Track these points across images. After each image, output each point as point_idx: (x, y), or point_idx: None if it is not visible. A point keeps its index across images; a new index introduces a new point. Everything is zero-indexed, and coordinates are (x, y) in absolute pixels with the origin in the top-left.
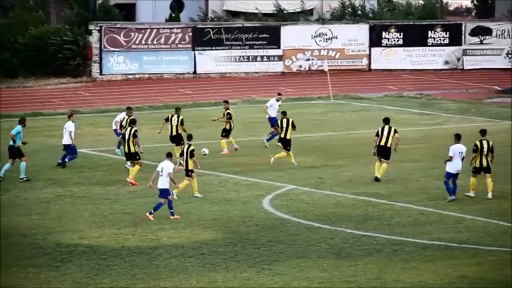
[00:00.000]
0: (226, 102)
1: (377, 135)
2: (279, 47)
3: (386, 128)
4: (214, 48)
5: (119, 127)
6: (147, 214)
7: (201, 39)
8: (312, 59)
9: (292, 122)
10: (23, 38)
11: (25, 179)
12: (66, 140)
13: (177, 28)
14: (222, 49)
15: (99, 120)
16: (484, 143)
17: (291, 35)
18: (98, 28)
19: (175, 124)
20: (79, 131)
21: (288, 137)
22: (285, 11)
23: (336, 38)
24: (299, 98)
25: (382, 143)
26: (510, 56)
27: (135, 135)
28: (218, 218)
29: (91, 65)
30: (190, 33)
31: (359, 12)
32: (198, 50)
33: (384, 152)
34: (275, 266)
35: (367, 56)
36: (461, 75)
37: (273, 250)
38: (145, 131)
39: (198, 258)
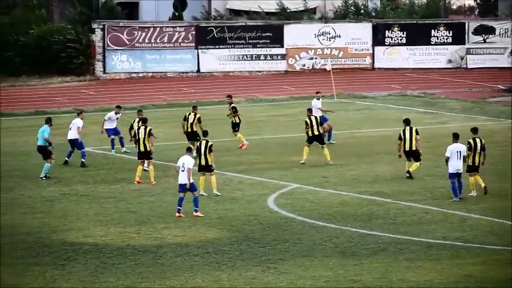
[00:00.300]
0: (229, 97)
1: (400, 138)
2: (282, 46)
3: (408, 129)
4: (218, 47)
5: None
6: (194, 213)
7: (204, 38)
8: (315, 58)
9: (319, 120)
10: (26, 36)
11: (44, 178)
12: (73, 135)
13: (180, 27)
14: (225, 48)
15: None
16: (477, 140)
17: (294, 33)
18: (101, 27)
19: (192, 121)
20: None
21: (316, 133)
22: (288, 10)
23: (339, 36)
24: (302, 97)
25: (407, 148)
26: None
27: (150, 134)
28: (223, 217)
29: (94, 63)
30: (194, 32)
31: (362, 11)
32: (201, 49)
33: (412, 155)
34: (280, 265)
35: (370, 54)
36: (464, 74)
37: (278, 249)
38: None
39: (203, 257)
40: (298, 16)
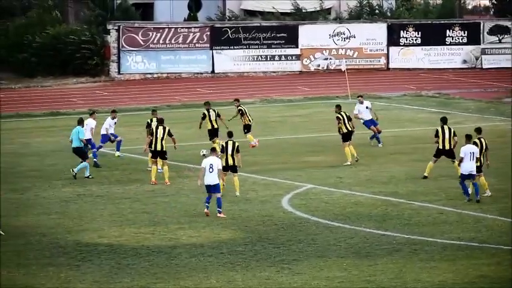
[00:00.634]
0: (237, 100)
1: (437, 135)
2: (297, 46)
3: (446, 128)
4: (232, 47)
5: (110, 132)
6: (218, 215)
7: (219, 39)
8: (330, 58)
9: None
10: (41, 37)
11: (75, 175)
12: (87, 135)
13: (195, 27)
14: (240, 48)
15: (118, 119)
16: (482, 141)
17: (308, 34)
18: (116, 28)
19: (214, 119)
20: (97, 129)
21: (350, 129)
22: (304, 10)
23: (354, 37)
24: (317, 97)
25: (447, 147)
26: None
27: (170, 134)
28: (237, 217)
29: (109, 64)
30: (208, 33)
31: (377, 11)
32: (216, 50)
33: (446, 154)
34: (294, 266)
35: (385, 55)
36: (479, 74)
37: (293, 249)
38: None
39: (217, 257)
40: (312, 16)
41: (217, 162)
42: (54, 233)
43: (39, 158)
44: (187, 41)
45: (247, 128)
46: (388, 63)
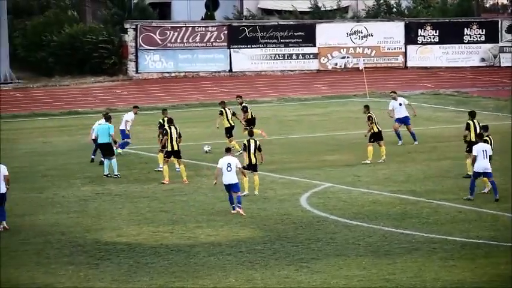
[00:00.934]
0: (239, 97)
1: (468, 128)
2: (314, 45)
3: (476, 123)
4: (250, 46)
5: (128, 127)
6: (238, 210)
7: (237, 38)
8: (348, 57)
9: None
10: (59, 36)
11: (109, 175)
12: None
13: (212, 26)
14: (258, 47)
15: (136, 118)
16: (491, 138)
17: (326, 32)
18: (134, 27)
19: (230, 117)
20: (115, 129)
21: (380, 129)
22: (322, 8)
23: (372, 35)
24: (334, 96)
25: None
26: None
27: (180, 134)
28: (256, 216)
29: (127, 63)
30: (226, 32)
31: (394, 9)
32: (233, 48)
33: None
34: (313, 264)
35: (402, 53)
36: (497, 72)
37: (311, 248)
38: (181, 129)
39: (236, 256)
40: (330, 15)
41: (234, 161)
42: (73, 231)
43: (57, 157)
44: (205, 40)
45: (249, 123)
46: (405, 61)
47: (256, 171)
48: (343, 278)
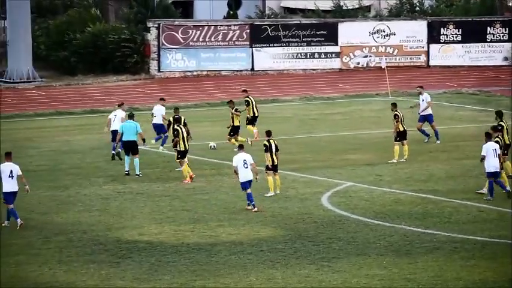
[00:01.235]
0: (245, 91)
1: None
2: (336, 44)
3: (505, 123)
4: (272, 45)
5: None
6: (251, 207)
7: (259, 36)
8: (370, 56)
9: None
10: (81, 35)
11: (141, 175)
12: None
13: (234, 25)
14: (280, 46)
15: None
16: (501, 138)
17: (348, 31)
18: (156, 25)
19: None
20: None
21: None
22: (344, 7)
23: (394, 34)
24: (357, 95)
25: (507, 141)
26: None
27: (189, 133)
28: (277, 215)
29: (149, 62)
30: (248, 30)
31: (417, 8)
32: (255, 47)
33: (507, 149)
34: (334, 263)
35: (425, 52)
36: None
37: (332, 247)
38: (203, 128)
39: (257, 255)
40: (352, 14)
41: (249, 157)
42: (94, 230)
43: (79, 156)
44: (227, 39)
45: (249, 120)
46: (428, 60)
47: (277, 171)
48: (364, 277)
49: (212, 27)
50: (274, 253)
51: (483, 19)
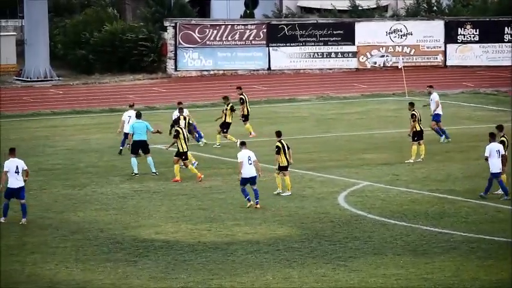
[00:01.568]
0: (239, 88)
1: None
2: (353, 44)
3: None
4: (289, 44)
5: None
6: (257, 206)
7: (276, 36)
8: (387, 56)
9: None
10: (99, 34)
11: (157, 173)
12: (127, 129)
13: (251, 24)
14: (297, 45)
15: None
16: (507, 138)
17: (365, 31)
18: (173, 25)
19: (229, 112)
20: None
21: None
22: (360, 7)
23: (411, 34)
24: (373, 95)
25: None
26: None
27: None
28: (293, 214)
29: (166, 61)
30: (265, 30)
31: (434, 8)
32: (272, 47)
33: None
34: (351, 263)
35: (442, 52)
36: None
37: (349, 246)
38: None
39: (273, 254)
40: (369, 14)
41: (252, 154)
42: (111, 228)
43: (96, 154)
44: (244, 38)
45: (245, 117)
46: (445, 60)
47: (287, 171)
48: (380, 276)
49: (229, 26)
50: (291, 252)
51: (501, 19)
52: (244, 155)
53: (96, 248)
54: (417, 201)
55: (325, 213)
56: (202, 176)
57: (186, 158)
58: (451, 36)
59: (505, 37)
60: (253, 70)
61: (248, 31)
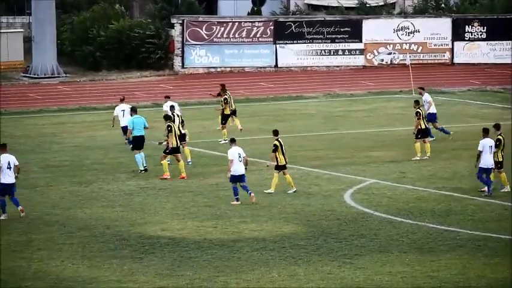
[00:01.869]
0: (222, 86)
1: None
2: (360, 41)
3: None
4: (296, 41)
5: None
6: (252, 198)
7: (283, 33)
8: (394, 53)
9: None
10: (106, 31)
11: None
12: (124, 122)
13: (258, 22)
14: (304, 43)
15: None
16: (503, 137)
17: (372, 28)
18: (180, 22)
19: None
20: (160, 124)
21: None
22: (367, 5)
23: (418, 31)
24: (380, 92)
25: None
26: None
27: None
28: (299, 212)
29: (173, 58)
30: (272, 27)
31: (442, 5)
32: (279, 44)
33: None
34: (357, 260)
35: (449, 49)
36: None
37: (355, 244)
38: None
39: (279, 251)
40: (377, 11)
41: (242, 151)
42: (117, 225)
43: (103, 151)
44: (251, 35)
45: (233, 113)
46: (452, 58)
47: (286, 169)
48: (386, 274)
49: (236, 23)
50: (297, 250)
51: (508, 17)
52: (235, 153)
53: (102, 245)
54: (423, 198)
55: (332, 210)
56: (185, 177)
57: (178, 152)
58: (458, 34)
59: None
60: (260, 67)
61: (255, 28)
